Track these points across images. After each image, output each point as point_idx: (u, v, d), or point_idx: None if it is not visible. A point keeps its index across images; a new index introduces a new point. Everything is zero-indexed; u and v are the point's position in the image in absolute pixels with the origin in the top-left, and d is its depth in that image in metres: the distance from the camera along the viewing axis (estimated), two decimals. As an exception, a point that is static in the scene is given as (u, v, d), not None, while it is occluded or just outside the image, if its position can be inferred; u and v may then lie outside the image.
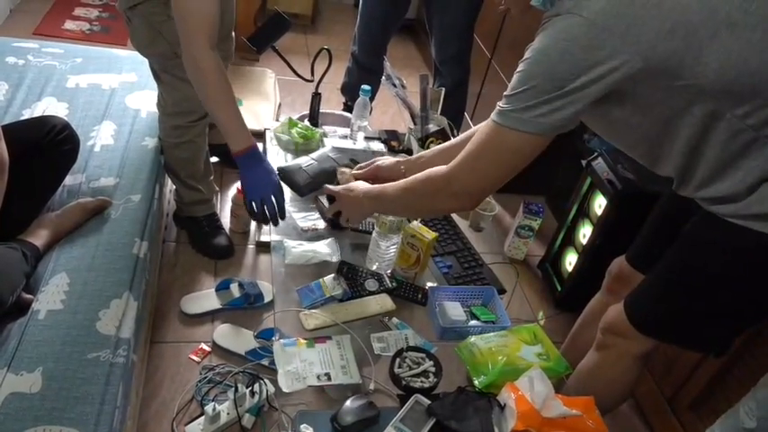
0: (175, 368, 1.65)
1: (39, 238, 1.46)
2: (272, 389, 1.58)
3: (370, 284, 1.40)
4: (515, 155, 1.08)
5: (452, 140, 1.49)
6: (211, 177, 2.00)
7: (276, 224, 1.55)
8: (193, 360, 1.68)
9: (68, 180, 1.65)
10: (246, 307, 1.84)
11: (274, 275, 1.48)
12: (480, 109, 2.88)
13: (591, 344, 1.45)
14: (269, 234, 2.01)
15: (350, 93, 2.67)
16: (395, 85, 1.94)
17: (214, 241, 1.99)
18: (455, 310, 1.37)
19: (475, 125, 1.46)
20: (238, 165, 1.53)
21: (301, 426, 1.09)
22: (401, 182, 1.27)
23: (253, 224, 2.13)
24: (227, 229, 2.06)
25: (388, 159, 1.48)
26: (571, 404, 1.13)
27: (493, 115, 1.07)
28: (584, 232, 2.04)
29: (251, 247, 2.07)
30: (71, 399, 1.15)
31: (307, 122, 1.98)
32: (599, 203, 1.96)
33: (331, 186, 1.42)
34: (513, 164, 1.10)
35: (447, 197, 1.18)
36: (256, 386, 1.57)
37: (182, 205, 2.01)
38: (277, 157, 1.83)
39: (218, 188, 2.08)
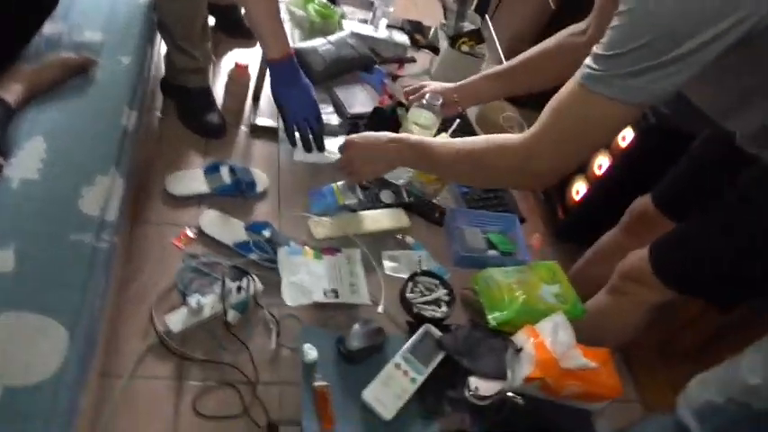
0: (158, 252, 1.53)
1: (10, 92, 1.26)
2: (260, 287, 1.49)
3: (386, 196, 1.28)
4: (608, 130, 0.91)
5: (509, 63, 1.30)
6: (209, 44, 1.78)
7: (321, 149, 1.37)
8: (177, 246, 1.56)
9: (47, 28, 1.42)
10: (237, 195, 1.70)
11: (281, 172, 1.34)
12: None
13: (598, 283, 1.39)
14: (269, 118, 1.85)
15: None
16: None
17: (206, 118, 1.80)
18: (474, 237, 1.27)
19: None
20: (272, 76, 1.32)
21: (305, 345, 1.01)
22: (458, 142, 1.08)
23: (248, 104, 1.94)
24: (219, 106, 1.87)
25: (437, 85, 1.29)
26: (590, 356, 1.07)
27: (584, 78, 0.88)
28: (601, 163, 1.93)
29: (244, 129, 1.90)
30: (49, 283, 1.02)
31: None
32: (623, 135, 1.84)
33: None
34: (602, 140, 0.94)
35: (523, 176, 1.01)
36: (244, 281, 1.47)
37: (172, 72, 1.80)
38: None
39: (214, 58, 1.86)
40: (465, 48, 1.50)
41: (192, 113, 1.81)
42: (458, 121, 1.43)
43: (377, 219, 1.22)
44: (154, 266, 1.50)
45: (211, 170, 1.71)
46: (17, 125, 1.25)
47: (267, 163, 1.81)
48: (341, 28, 1.62)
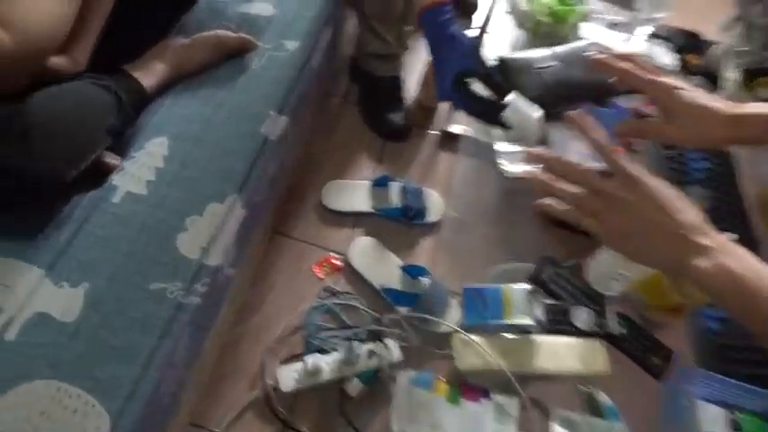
0: (292, 277, 1.28)
1: (150, 73, 1.05)
2: (397, 355, 1.17)
3: (580, 317, 0.84)
4: None
5: None
6: (407, 28, 1.44)
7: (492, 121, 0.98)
8: (316, 274, 1.29)
9: (213, -8, 1.19)
10: (402, 221, 1.37)
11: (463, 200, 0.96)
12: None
13: None
14: (466, 126, 1.47)
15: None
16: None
17: (389, 116, 1.48)
18: (712, 418, 0.78)
19: None
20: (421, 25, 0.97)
21: None
22: None
23: (445, 105, 1.57)
24: (409, 101, 1.54)
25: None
26: None
27: None
28: None
29: (434, 134, 1.54)
30: (107, 348, 0.80)
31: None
32: None
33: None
34: None
35: None
36: (378, 346, 1.16)
37: (360, 54, 1.49)
38: (498, 39, 1.21)
39: (410, 44, 1.50)
40: (766, 91, 0.96)
41: (373, 106, 1.50)
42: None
43: (557, 352, 0.80)
44: (283, 294, 1.25)
45: (380, 184, 1.40)
46: (148, 114, 1.04)
47: (449, 185, 1.45)
48: (577, 34, 1.16)
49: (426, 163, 1.48)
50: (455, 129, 1.51)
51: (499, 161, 1.13)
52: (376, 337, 1.17)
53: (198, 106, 1.04)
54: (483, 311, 0.83)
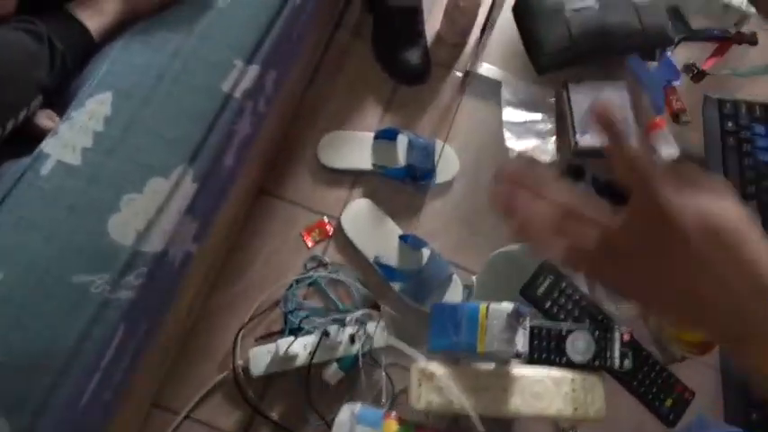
0: (279, 243, 1.15)
1: (98, 13, 0.89)
2: (381, 341, 1.04)
3: (578, 345, 0.68)
4: None
5: None
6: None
7: None
8: (304, 240, 1.15)
9: None
10: (407, 181, 1.20)
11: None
12: None
13: None
14: (494, 66, 1.25)
15: None
16: None
17: (405, 54, 1.27)
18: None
19: None
20: None
21: None
22: None
23: (473, 37, 1.33)
24: (429, 38, 1.31)
25: None
26: None
27: None
28: None
29: (458, 74, 1.32)
30: (17, 354, 0.70)
31: None
32: None
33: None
34: None
35: None
36: (361, 330, 1.04)
37: (373, -19, 1.27)
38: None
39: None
40: None
41: (386, 43, 1.29)
42: None
43: (542, 392, 0.64)
44: (267, 264, 1.13)
45: (385, 137, 1.22)
46: (97, 61, 0.89)
47: (470, 137, 1.25)
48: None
49: (444, 111, 1.28)
50: (483, 70, 1.28)
51: (506, 133, 0.93)
52: (359, 323, 1.04)
53: (150, 55, 0.87)
54: (453, 334, 0.68)
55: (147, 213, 0.79)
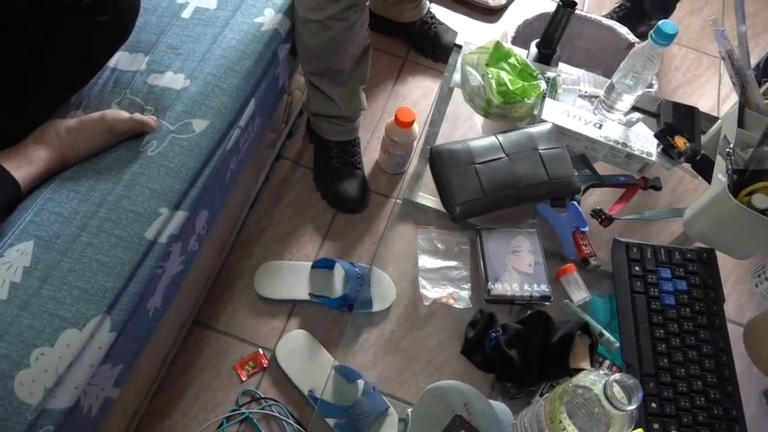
0: (209, 376, 1.13)
1: (27, 163, 0.91)
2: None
3: None
4: None
5: None
6: (362, 86, 1.26)
7: None
8: (238, 374, 1.13)
9: (123, 60, 1.04)
10: (344, 310, 1.21)
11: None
12: None
13: None
14: (431, 196, 1.29)
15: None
16: (724, 37, 0.91)
17: (341, 185, 1.31)
18: None
19: None
20: None
21: None
22: None
23: (411, 168, 1.39)
24: (370, 167, 1.36)
25: None
26: None
27: None
28: None
29: (396, 202, 1.36)
30: None
31: (532, 53, 1.08)
32: None
33: None
34: None
35: None
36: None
37: (308, 113, 1.33)
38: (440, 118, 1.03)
39: (365, 104, 1.32)
40: (761, 199, 0.76)
41: (325, 173, 1.34)
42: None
43: None
44: (196, 401, 1.10)
45: (322, 266, 1.24)
46: (18, 213, 0.90)
47: (407, 265, 1.27)
48: (537, 116, 0.97)
49: (381, 239, 1.31)
50: (420, 199, 1.32)
51: (420, 281, 0.96)
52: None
53: (76, 204, 0.89)
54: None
55: (57, 368, 0.78)
